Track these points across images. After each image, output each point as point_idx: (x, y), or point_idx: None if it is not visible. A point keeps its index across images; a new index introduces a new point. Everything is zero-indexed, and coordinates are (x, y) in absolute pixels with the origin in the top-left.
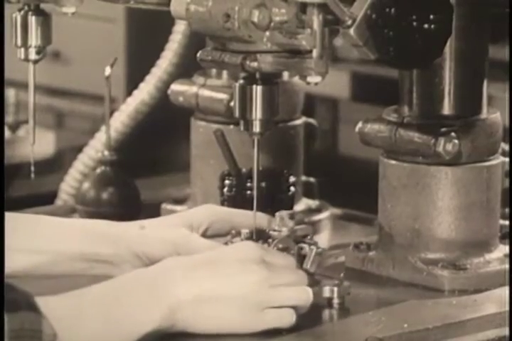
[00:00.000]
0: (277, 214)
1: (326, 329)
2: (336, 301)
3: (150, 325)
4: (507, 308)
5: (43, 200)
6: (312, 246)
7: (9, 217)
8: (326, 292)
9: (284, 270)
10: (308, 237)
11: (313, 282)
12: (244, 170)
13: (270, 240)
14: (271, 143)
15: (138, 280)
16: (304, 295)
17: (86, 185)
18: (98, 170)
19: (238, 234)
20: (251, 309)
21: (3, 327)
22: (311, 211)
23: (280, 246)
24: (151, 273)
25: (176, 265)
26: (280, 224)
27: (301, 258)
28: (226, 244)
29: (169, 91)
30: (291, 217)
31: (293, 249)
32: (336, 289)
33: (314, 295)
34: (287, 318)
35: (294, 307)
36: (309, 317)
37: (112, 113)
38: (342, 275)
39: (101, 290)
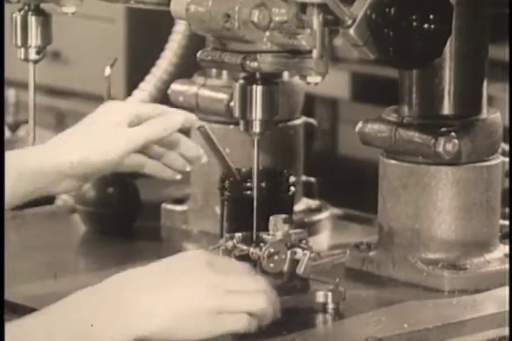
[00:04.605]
0: (271, 218)
1: (327, 330)
2: (330, 306)
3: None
4: (507, 308)
5: (43, 200)
6: (306, 251)
7: None
8: (320, 297)
9: (237, 275)
10: (304, 242)
11: (306, 287)
12: (244, 170)
13: (262, 244)
14: (271, 143)
15: (95, 297)
16: (259, 301)
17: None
18: None
19: (231, 237)
20: (205, 315)
21: (3, 327)
22: (311, 211)
23: (272, 250)
24: (106, 289)
25: (128, 279)
26: (274, 228)
27: (294, 263)
28: (219, 248)
29: (169, 91)
30: (286, 221)
31: (284, 253)
32: (330, 294)
33: (310, 300)
34: (242, 323)
35: (257, 314)
36: (309, 318)
37: None
38: (337, 280)
39: (63, 308)
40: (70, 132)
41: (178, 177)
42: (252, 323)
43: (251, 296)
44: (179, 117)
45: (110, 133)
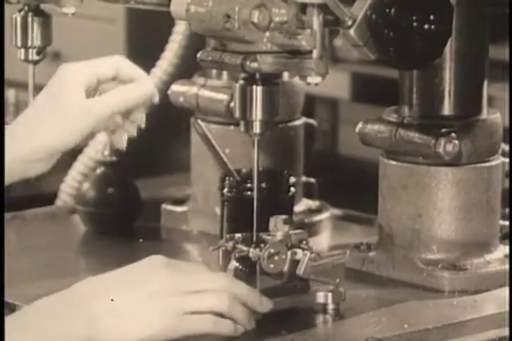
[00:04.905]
0: (272, 218)
1: (327, 330)
2: (330, 307)
3: None
4: (507, 309)
5: (43, 201)
6: (306, 252)
7: None
8: (320, 298)
9: (199, 275)
10: (304, 242)
11: (307, 287)
12: (244, 170)
13: (262, 245)
14: (271, 144)
15: (56, 302)
16: (222, 301)
17: (86, 185)
18: (98, 171)
19: (231, 238)
20: (168, 315)
21: (3, 326)
22: (311, 211)
23: (272, 250)
24: (67, 294)
25: (88, 282)
26: (274, 228)
27: (294, 264)
28: (219, 248)
29: (169, 92)
30: (286, 221)
31: (284, 253)
32: (330, 295)
33: (310, 301)
34: (207, 324)
35: (225, 314)
36: (309, 318)
37: None
38: (338, 280)
39: (21, 316)
40: (29, 115)
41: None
42: (221, 324)
43: (212, 295)
44: (145, 88)
45: (68, 113)
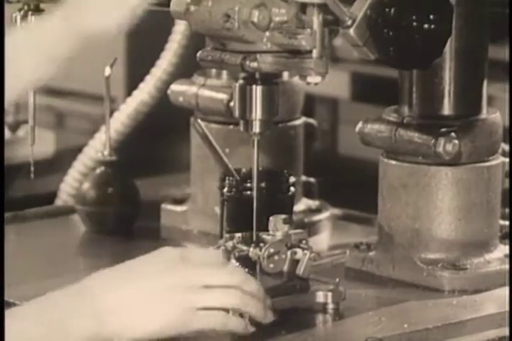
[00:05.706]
0: (271, 218)
1: (327, 330)
2: (330, 306)
3: (82, 335)
4: (507, 308)
5: (42, 200)
6: (305, 251)
7: None
8: (320, 297)
9: (212, 270)
10: (303, 242)
11: (307, 287)
12: (244, 170)
13: (262, 244)
14: (271, 143)
15: (66, 295)
16: (234, 298)
17: (86, 185)
18: (98, 171)
19: (231, 238)
20: (178, 310)
21: (3, 326)
22: (311, 211)
23: (271, 250)
24: (77, 287)
25: (99, 275)
26: (274, 228)
27: (294, 263)
28: (219, 248)
29: (169, 92)
30: (286, 221)
31: (284, 253)
32: (329, 294)
33: (310, 300)
34: (217, 320)
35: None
36: (309, 318)
37: (111, 113)
38: (337, 280)
39: (31, 307)
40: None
41: None
42: (232, 321)
43: (224, 291)
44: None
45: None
